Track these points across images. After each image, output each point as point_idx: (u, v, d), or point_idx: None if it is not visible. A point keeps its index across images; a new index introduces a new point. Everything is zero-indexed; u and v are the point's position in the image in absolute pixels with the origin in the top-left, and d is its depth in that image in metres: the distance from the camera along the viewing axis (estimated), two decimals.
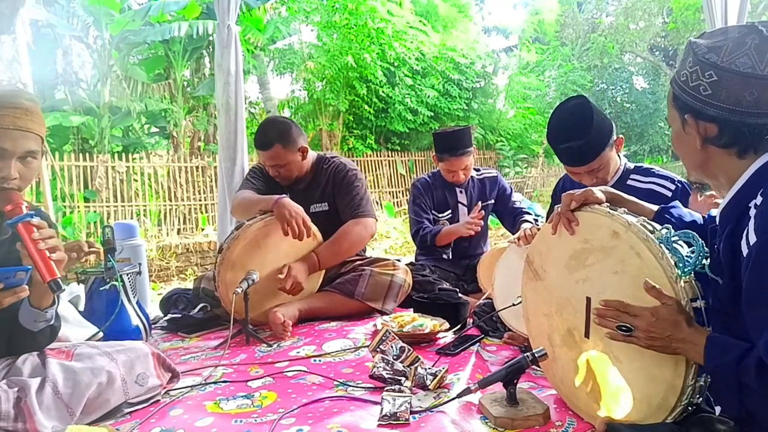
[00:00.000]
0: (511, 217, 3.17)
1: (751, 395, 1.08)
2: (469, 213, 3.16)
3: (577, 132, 1.95)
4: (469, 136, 3.06)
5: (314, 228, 2.47)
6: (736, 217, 1.16)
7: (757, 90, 1.10)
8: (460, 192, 3.16)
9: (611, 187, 2.00)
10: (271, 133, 2.61)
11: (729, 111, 1.13)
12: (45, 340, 1.60)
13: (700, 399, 1.25)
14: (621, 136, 2.08)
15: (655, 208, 1.48)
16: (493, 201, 3.23)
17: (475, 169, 3.22)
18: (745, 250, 1.10)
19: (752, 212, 1.11)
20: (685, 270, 1.20)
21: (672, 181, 2.04)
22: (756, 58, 1.10)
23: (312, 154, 2.78)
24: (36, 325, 1.53)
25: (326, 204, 2.73)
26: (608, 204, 1.43)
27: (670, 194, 1.99)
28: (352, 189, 2.68)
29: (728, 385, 1.11)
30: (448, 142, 3.04)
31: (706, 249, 1.22)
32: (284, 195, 2.43)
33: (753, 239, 1.08)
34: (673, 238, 1.24)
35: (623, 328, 1.22)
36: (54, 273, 1.38)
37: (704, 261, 1.22)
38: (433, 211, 3.15)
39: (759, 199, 1.11)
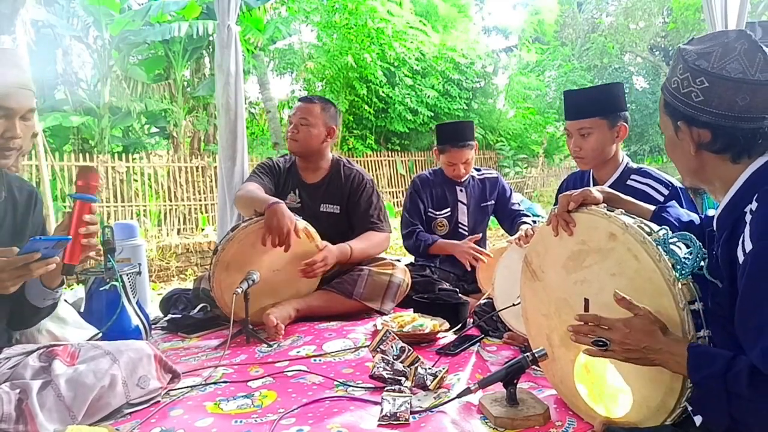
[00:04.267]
0: (510, 220, 3.19)
1: (740, 404, 1.07)
2: (468, 212, 3.17)
3: (593, 88, 2.27)
4: (471, 130, 3.10)
5: (312, 230, 2.44)
6: (732, 222, 1.16)
7: (749, 95, 1.11)
8: (461, 190, 3.16)
9: (611, 185, 2.03)
10: (320, 97, 2.89)
11: (722, 117, 1.13)
12: (45, 315, 1.71)
13: None
14: (625, 125, 2.12)
15: (652, 208, 1.48)
16: (492, 202, 3.24)
17: (476, 169, 3.23)
18: (741, 257, 1.09)
19: (748, 218, 1.11)
20: (683, 272, 1.20)
21: (667, 186, 2.04)
22: (746, 63, 1.11)
23: (329, 155, 2.83)
24: (44, 302, 1.62)
25: (338, 207, 2.75)
26: (605, 205, 1.43)
27: (662, 198, 1.99)
28: (371, 202, 2.77)
29: (715, 395, 1.09)
30: (450, 133, 3.09)
31: (703, 250, 1.22)
32: (279, 201, 2.36)
33: (749, 246, 1.07)
34: (670, 240, 1.23)
35: (600, 343, 1.20)
36: (77, 259, 1.49)
37: (702, 263, 1.21)
38: (430, 209, 3.15)
39: (754, 205, 1.11)
